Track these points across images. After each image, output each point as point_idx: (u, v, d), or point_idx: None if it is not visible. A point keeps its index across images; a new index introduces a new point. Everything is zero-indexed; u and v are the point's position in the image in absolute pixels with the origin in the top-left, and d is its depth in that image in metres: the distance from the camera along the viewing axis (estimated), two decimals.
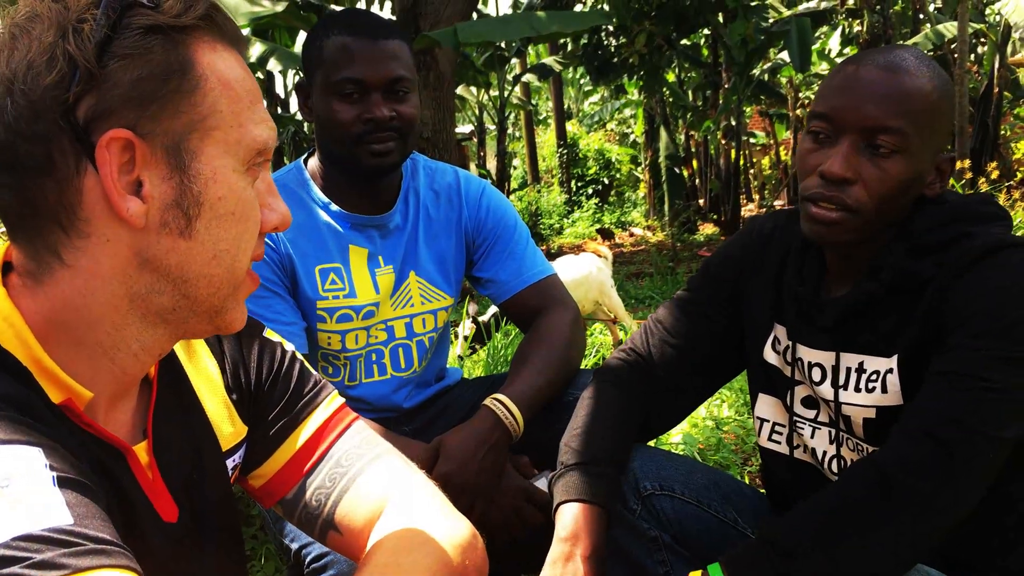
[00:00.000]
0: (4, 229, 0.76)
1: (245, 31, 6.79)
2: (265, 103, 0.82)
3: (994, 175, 7.62)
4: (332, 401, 1.00)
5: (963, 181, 7.24)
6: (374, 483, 0.94)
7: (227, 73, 0.75)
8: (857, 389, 1.20)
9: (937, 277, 1.11)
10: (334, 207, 1.65)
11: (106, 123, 0.69)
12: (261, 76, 9.56)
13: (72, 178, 0.70)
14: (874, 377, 1.18)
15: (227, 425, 0.95)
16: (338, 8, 6.50)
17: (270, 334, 1.01)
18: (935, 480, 1.03)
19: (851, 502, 1.07)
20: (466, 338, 4.48)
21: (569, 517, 1.23)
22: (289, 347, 1.02)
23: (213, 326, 0.81)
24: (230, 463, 0.95)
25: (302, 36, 7.44)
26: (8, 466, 0.61)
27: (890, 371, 1.16)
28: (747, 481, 2.58)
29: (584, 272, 4.65)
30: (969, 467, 1.03)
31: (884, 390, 1.16)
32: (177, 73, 0.71)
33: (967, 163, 7.73)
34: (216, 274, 0.77)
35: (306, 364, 1.02)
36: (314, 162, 1.71)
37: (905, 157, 1.11)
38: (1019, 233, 5.11)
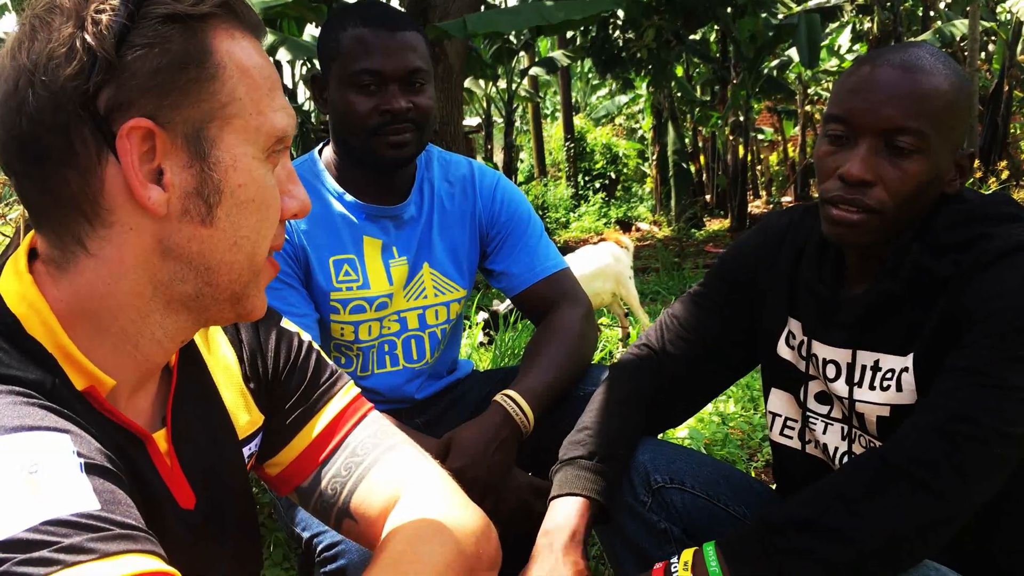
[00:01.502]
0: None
1: None
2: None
3: (1004, 174, 7.60)
4: (348, 391, 1.01)
5: (970, 180, 7.22)
6: (389, 472, 0.94)
7: (246, 61, 0.75)
8: (872, 387, 1.20)
9: (955, 276, 1.11)
10: (349, 198, 1.65)
11: (126, 113, 0.70)
12: None
13: (94, 168, 0.71)
14: (889, 376, 1.18)
15: (244, 414, 0.95)
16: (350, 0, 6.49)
17: (288, 324, 1.01)
18: (942, 475, 1.02)
19: (853, 491, 1.06)
20: (482, 324, 4.47)
21: (551, 511, 1.25)
22: (306, 337, 1.02)
23: (235, 313, 0.81)
24: (246, 451, 0.96)
25: (311, 27, 7.45)
26: (37, 452, 0.62)
27: (905, 370, 1.16)
28: (753, 476, 2.59)
29: (603, 263, 4.63)
30: (978, 464, 1.03)
31: (899, 388, 1.16)
32: (196, 62, 0.72)
33: (977, 162, 7.72)
34: (237, 261, 0.77)
35: (323, 354, 1.03)
36: (328, 153, 1.71)
37: (925, 156, 1.11)
38: None
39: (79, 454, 0.63)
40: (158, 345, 0.79)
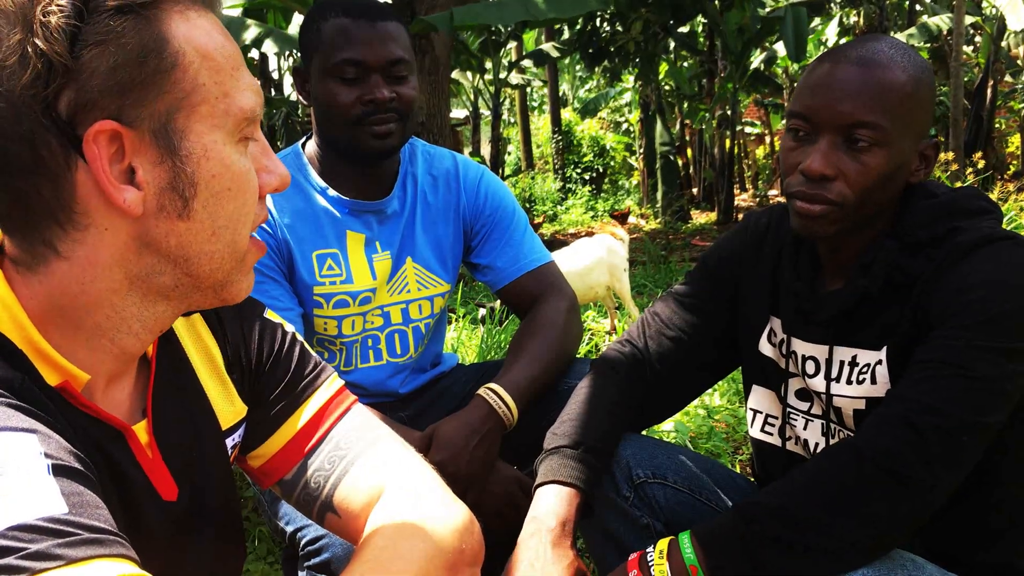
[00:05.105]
0: None
1: (238, 12, 6.74)
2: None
3: (980, 164, 7.65)
4: (332, 383, 1.00)
5: (948, 173, 7.26)
6: (373, 466, 0.94)
7: (206, 43, 0.73)
8: (848, 382, 1.21)
9: (928, 272, 1.12)
10: (332, 192, 1.64)
11: (89, 115, 0.68)
12: (255, 57, 9.50)
13: (64, 174, 0.69)
14: (865, 369, 1.19)
15: (227, 404, 0.95)
16: None
17: (271, 315, 1.01)
18: (910, 465, 1.04)
19: (823, 479, 1.08)
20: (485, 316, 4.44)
21: (539, 498, 1.25)
22: (290, 328, 1.02)
23: (219, 299, 0.81)
24: (229, 442, 0.95)
25: (297, 18, 7.39)
26: (2, 454, 0.61)
27: (879, 363, 1.17)
28: (738, 470, 2.60)
29: (599, 255, 4.59)
30: (945, 454, 1.04)
31: (873, 381, 1.18)
32: (153, 53, 0.70)
33: (951, 155, 7.76)
34: (217, 250, 0.76)
35: (306, 346, 1.02)
36: (312, 146, 1.70)
37: (885, 149, 1.12)
38: (1010, 226, 5.14)
39: (46, 455, 0.62)
40: (135, 337, 0.78)
